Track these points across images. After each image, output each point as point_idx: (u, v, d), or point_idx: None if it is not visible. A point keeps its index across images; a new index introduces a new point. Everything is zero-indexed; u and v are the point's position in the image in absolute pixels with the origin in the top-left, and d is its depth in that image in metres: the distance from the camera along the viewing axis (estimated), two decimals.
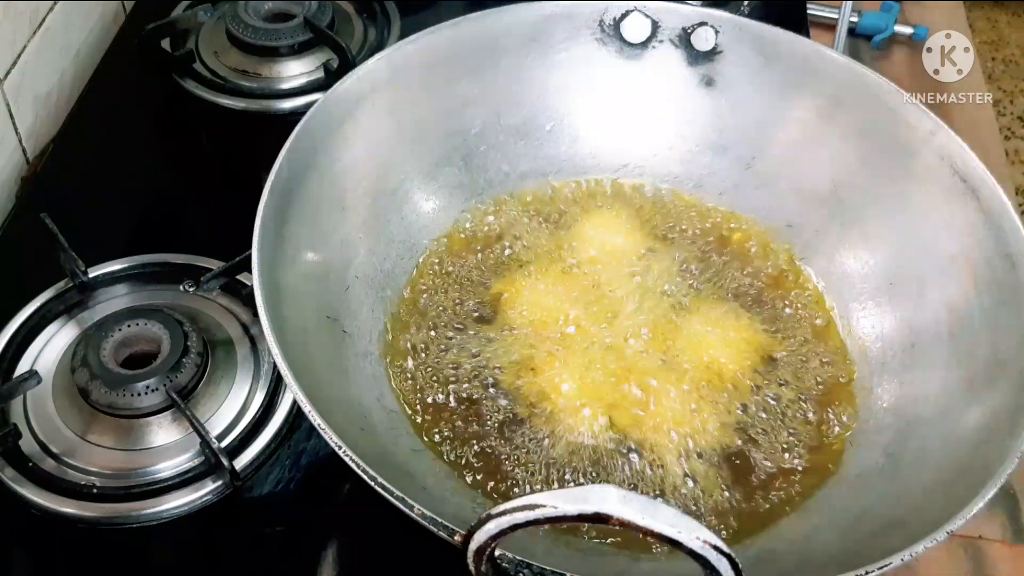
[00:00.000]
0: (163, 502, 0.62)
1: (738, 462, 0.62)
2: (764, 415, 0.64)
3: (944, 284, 0.65)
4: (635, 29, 0.76)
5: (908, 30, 1.08)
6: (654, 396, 0.64)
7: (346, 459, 0.49)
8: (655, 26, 0.76)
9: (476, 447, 0.62)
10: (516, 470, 0.61)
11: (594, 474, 0.61)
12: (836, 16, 1.03)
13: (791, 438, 0.64)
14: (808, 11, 1.03)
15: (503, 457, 0.61)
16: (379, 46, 0.95)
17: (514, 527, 0.36)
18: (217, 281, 0.72)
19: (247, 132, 0.89)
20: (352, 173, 0.69)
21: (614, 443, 0.62)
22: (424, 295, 0.70)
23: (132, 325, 0.67)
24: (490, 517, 0.36)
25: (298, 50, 0.93)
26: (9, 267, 0.77)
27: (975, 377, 0.60)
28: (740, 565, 0.34)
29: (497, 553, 0.41)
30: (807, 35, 0.92)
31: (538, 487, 0.60)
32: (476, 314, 0.69)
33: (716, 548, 0.34)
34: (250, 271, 0.56)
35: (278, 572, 0.62)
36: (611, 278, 0.71)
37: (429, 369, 0.66)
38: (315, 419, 0.50)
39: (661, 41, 0.76)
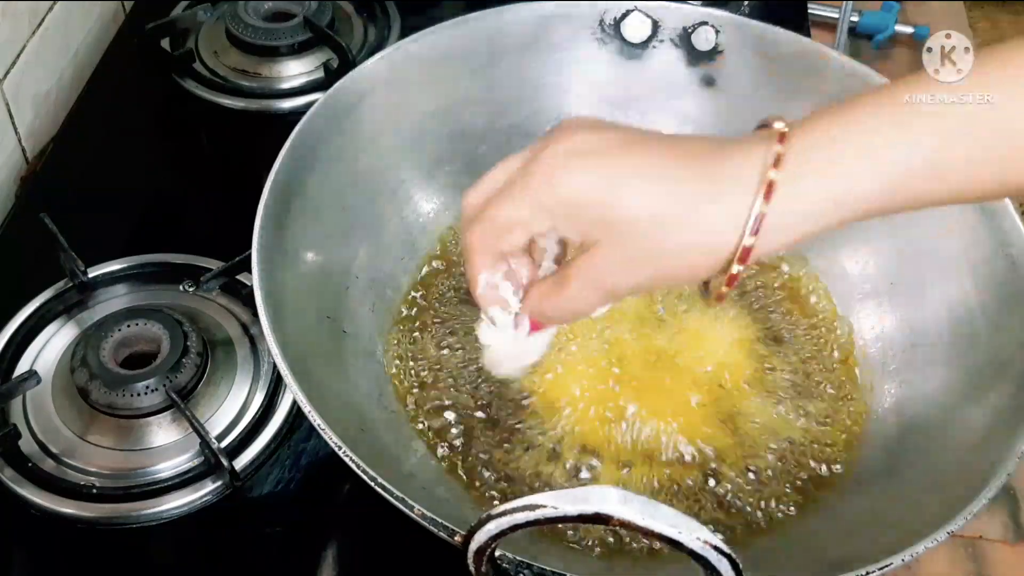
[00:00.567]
0: (163, 502, 0.62)
1: (738, 462, 0.62)
2: (764, 415, 0.64)
3: (944, 284, 0.65)
4: (635, 29, 0.75)
5: (909, 30, 1.08)
6: (654, 396, 0.64)
7: (346, 459, 0.49)
8: (655, 26, 0.75)
9: (476, 447, 0.62)
10: (516, 470, 0.61)
11: (595, 475, 0.61)
12: (837, 16, 1.03)
13: (791, 438, 0.63)
14: (809, 11, 1.03)
15: (503, 457, 0.61)
16: (379, 46, 0.95)
17: (515, 527, 0.36)
18: (217, 281, 0.72)
19: (247, 132, 0.89)
20: (352, 173, 0.68)
21: (616, 443, 0.62)
22: (424, 295, 0.70)
23: (132, 325, 0.67)
24: (490, 517, 0.36)
25: (298, 50, 0.93)
26: (8, 267, 0.77)
27: (975, 377, 0.60)
28: (740, 565, 0.34)
29: (497, 554, 0.41)
30: (808, 35, 0.92)
31: (538, 488, 0.60)
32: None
33: (716, 548, 0.34)
34: (250, 271, 0.56)
35: (278, 572, 0.62)
36: None
37: (429, 370, 0.66)
38: (315, 419, 0.50)
39: (661, 41, 0.76)
